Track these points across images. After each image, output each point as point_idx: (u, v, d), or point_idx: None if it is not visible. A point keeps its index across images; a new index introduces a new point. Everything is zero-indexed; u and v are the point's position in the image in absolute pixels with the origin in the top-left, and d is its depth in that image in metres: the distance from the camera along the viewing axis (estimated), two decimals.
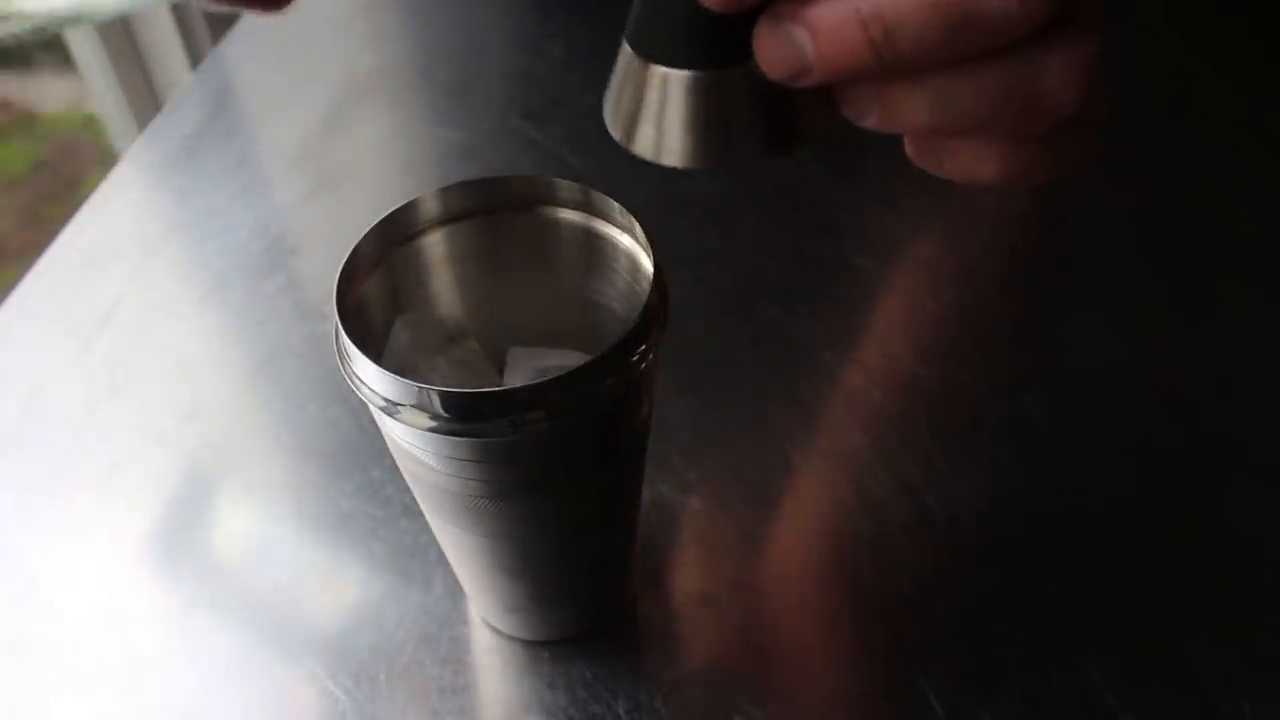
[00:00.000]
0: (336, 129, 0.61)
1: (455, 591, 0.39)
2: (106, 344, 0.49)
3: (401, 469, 0.31)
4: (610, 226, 0.32)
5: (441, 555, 0.39)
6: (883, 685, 0.36)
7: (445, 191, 0.32)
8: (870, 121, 0.22)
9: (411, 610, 0.39)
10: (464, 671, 0.37)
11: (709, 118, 0.22)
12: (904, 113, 0.21)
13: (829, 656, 0.37)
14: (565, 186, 0.32)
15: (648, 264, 0.29)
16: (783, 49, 0.21)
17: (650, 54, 0.22)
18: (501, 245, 0.33)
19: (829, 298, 0.50)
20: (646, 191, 0.55)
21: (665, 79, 0.22)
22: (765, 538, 0.40)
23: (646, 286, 0.29)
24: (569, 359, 0.33)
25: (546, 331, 0.35)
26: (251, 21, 0.70)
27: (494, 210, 0.32)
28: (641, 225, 0.30)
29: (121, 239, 0.55)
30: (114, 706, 0.37)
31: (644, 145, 0.23)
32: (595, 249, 0.32)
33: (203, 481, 0.43)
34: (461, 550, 0.34)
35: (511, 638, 0.38)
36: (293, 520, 0.42)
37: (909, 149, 0.23)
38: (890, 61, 0.20)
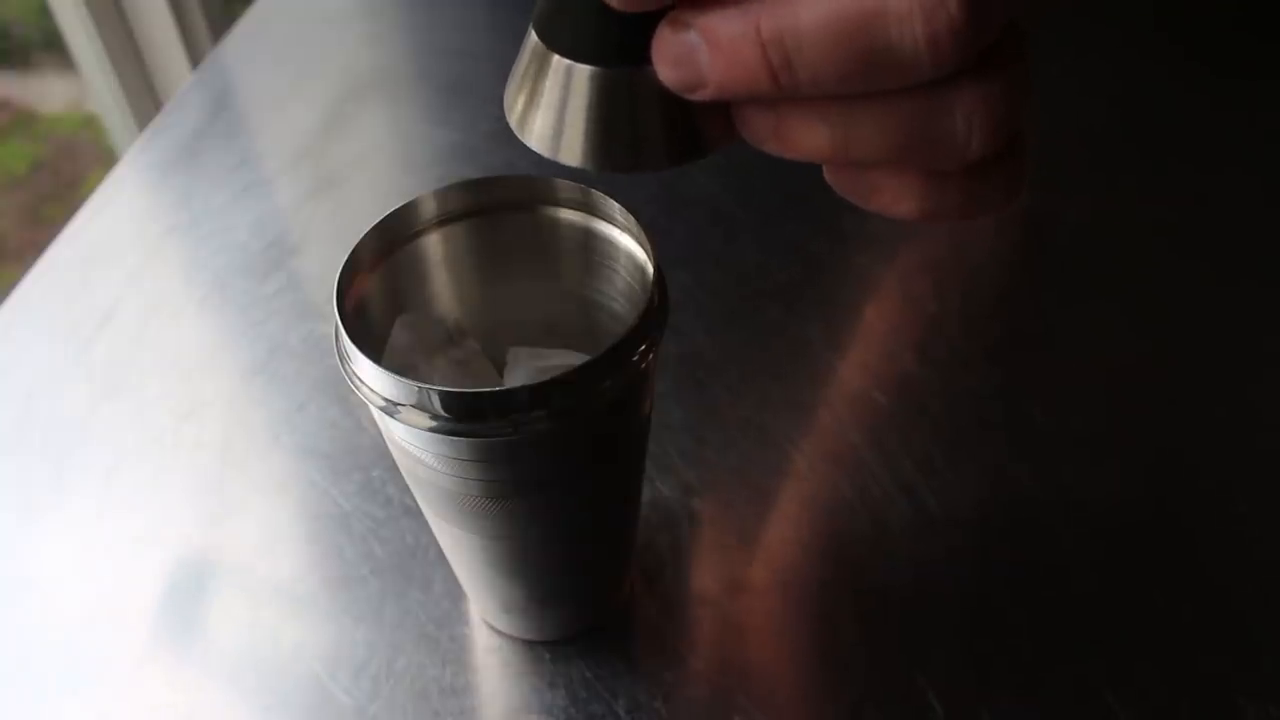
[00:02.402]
0: (336, 129, 0.61)
1: (455, 591, 0.39)
2: (106, 344, 0.49)
3: (401, 469, 0.31)
4: (610, 226, 0.32)
5: (441, 555, 0.39)
6: (883, 685, 0.36)
7: (445, 191, 0.32)
8: (768, 147, 0.21)
9: (411, 610, 0.39)
10: (464, 671, 0.37)
11: (609, 117, 0.21)
12: (802, 141, 0.20)
13: (829, 656, 0.37)
14: (565, 186, 0.32)
15: (648, 264, 0.29)
16: (678, 57, 0.20)
17: (555, 44, 0.21)
18: (501, 245, 0.33)
19: (829, 298, 0.50)
20: (646, 191, 0.55)
21: (569, 72, 0.21)
22: (765, 538, 0.40)
23: (646, 286, 0.29)
24: (569, 359, 0.33)
25: (546, 331, 0.35)
26: (251, 21, 0.70)
27: (494, 210, 0.33)
28: (641, 225, 0.30)
29: (121, 239, 0.55)
30: (114, 706, 0.37)
31: (541, 139, 0.22)
32: (595, 249, 0.32)
33: (202, 481, 0.43)
34: (461, 550, 0.34)
35: (511, 638, 0.38)
36: (293, 520, 0.42)
37: (827, 175, 0.22)
38: (788, 87, 0.19)
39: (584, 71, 0.21)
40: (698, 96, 0.20)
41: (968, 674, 0.36)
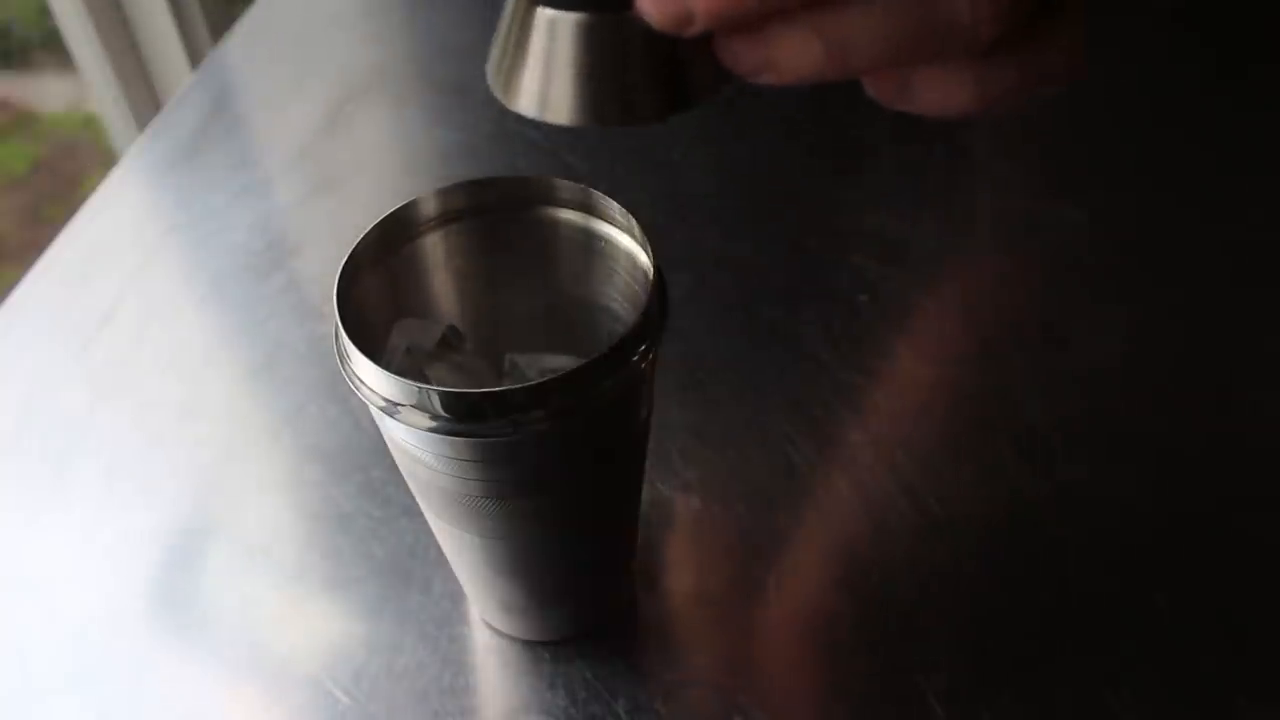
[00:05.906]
0: (336, 129, 0.60)
1: (455, 591, 0.39)
2: (106, 344, 0.49)
3: (401, 469, 0.31)
4: (610, 226, 0.32)
5: (441, 555, 0.39)
6: (883, 685, 0.36)
7: (445, 192, 0.32)
8: (764, 79, 0.20)
9: (411, 610, 0.39)
10: (464, 671, 0.37)
11: (598, 68, 0.20)
12: (797, 62, 0.19)
13: (829, 656, 0.37)
14: (565, 186, 0.32)
15: (648, 264, 0.29)
16: None
17: None
18: (501, 245, 0.33)
19: (829, 298, 0.50)
20: (646, 191, 0.55)
21: (553, 23, 0.20)
22: (765, 538, 0.40)
23: (646, 287, 0.29)
24: (568, 362, 0.33)
25: (546, 332, 0.35)
26: (251, 21, 0.70)
27: (494, 210, 0.32)
28: (641, 225, 0.30)
29: (121, 239, 0.55)
30: (114, 706, 0.37)
31: (527, 101, 0.21)
32: (595, 249, 0.32)
33: (202, 482, 0.43)
34: (461, 550, 0.34)
35: (511, 638, 0.38)
36: (293, 520, 0.42)
37: (871, 88, 0.21)
38: (775, 3, 0.18)
39: (569, 20, 0.20)
40: (688, 31, 0.19)
41: (968, 675, 0.36)
